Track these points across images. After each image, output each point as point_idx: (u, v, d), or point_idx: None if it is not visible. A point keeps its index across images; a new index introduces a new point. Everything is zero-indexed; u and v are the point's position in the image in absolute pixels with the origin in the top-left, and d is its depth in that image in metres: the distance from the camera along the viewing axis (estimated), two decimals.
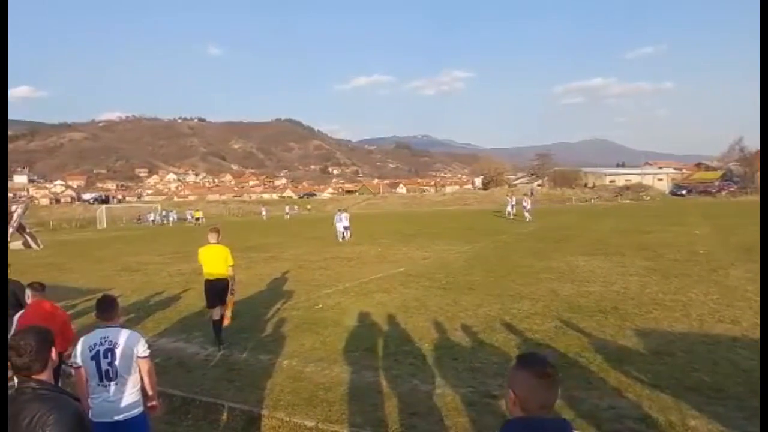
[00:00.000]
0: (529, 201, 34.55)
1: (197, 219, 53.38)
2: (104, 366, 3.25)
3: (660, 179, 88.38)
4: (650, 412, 4.49)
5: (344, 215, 24.86)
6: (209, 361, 6.60)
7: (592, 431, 4.19)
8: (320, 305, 9.53)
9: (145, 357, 3.40)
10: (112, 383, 3.25)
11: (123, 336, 3.35)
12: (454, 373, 5.63)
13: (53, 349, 2.17)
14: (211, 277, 7.22)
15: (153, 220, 55.43)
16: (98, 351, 3.26)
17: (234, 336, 7.58)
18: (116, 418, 3.21)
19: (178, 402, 5.16)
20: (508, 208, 37.96)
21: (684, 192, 72.58)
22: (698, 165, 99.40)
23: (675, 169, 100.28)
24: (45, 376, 2.09)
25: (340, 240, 23.34)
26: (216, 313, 7.26)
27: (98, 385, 3.25)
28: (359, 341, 7.05)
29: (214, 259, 7.22)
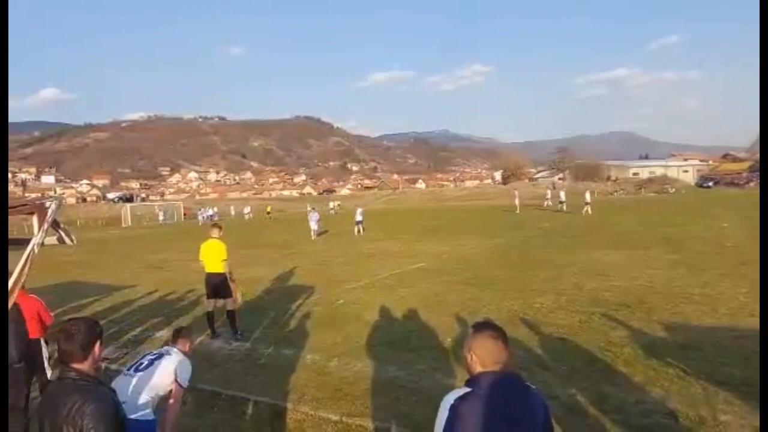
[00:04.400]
0: (589, 194, 32.86)
1: (268, 213, 54.65)
2: (143, 360, 3.50)
3: (685, 171, 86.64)
4: (679, 406, 4.41)
5: (316, 214, 25.76)
6: (234, 355, 6.69)
7: (620, 426, 4.13)
8: (342, 300, 9.58)
9: (179, 382, 3.53)
10: (137, 375, 3.36)
11: (176, 354, 3.66)
12: None
13: (99, 344, 2.22)
14: (208, 271, 7.63)
15: (208, 216, 55.89)
16: (153, 353, 3.63)
17: (258, 331, 7.69)
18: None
19: (205, 395, 5.24)
20: (549, 200, 37.80)
21: (710, 184, 71.04)
22: (725, 156, 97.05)
23: (701, 160, 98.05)
24: (86, 366, 2.15)
25: (313, 238, 23.67)
26: (210, 305, 7.60)
27: (125, 374, 3.40)
28: (381, 336, 7.07)
29: (211, 254, 7.59)
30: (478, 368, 1.97)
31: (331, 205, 61.05)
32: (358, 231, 25.07)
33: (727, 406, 4.36)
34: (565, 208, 33.64)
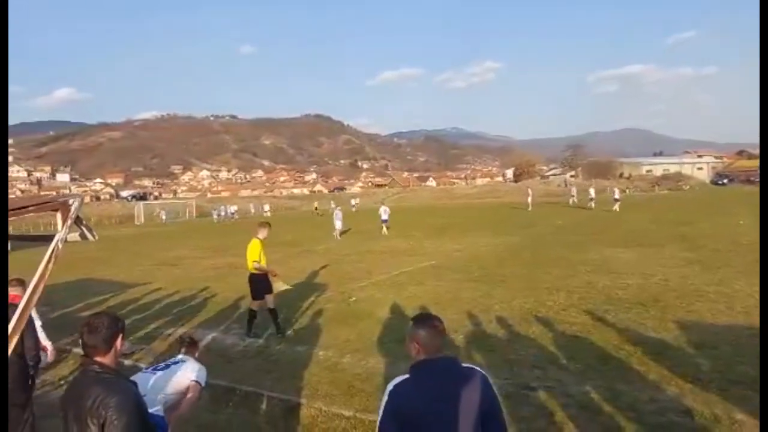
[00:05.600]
0: (618, 191, 32.86)
1: (316, 209, 55.01)
2: (161, 363, 3.67)
3: (700, 168, 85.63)
4: (694, 405, 4.38)
5: (340, 212, 24.53)
6: (248, 352, 6.76)
7: (634, 424, 4.11)
8: (354, 298, 9.62)
9: (196, 382, 3.63)
10: (156, 374, 3.47)
11: (191, 361, 3.78)
12: (490, 365, 5.60)
13: (121, 337, 2.27)
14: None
15: (230, 214, 55.97)
16: (170, 359, 3.77)
17: (271, 328, 7.74)
18: None
19: (220, 391, 5.30)
20: (575, 197, 38.96)
21: (725, 181, 70.20)
22: (740, 153, 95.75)
23: (715, 157, 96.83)
24: (108, 359, 2.20)
25: (337, 237, 22.75)
26: (268, 302, 7.50)
27: (144, 372, 3.55)
28: (393, 333, 7.09)
29: (247, 253, 7.55)
30: (420, 356, 2.13)
31: (353, 202, 61.23)
32: (384, 229, 23.73)
33: (743, 405, 4.31)
34: (594, 205, 33.36)
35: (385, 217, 24.30)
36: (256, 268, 7.42)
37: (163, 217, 55.66)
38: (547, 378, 5.16)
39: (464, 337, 6.69)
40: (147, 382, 3.37)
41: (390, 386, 2.09)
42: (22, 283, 5.24)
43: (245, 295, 10.31)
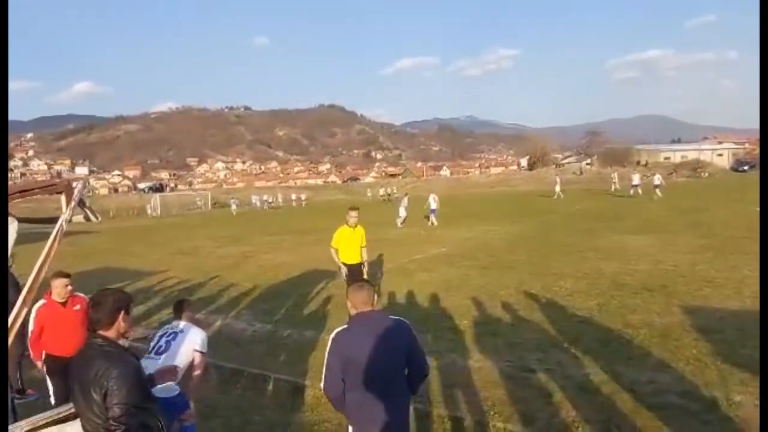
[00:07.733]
0: (660, 178, 31.43)
1: (390, 194, 54.86)
2: (161, 342, 3.65)
3: (720, 155, 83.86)
4: (693, 387, 4.42)
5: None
6: (256, 336, 6.93)
7: (631, 405, 4.17)
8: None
9: (202, 352, 3.73)
10: (161, 357, 3.54)
11: (188, 328, 3.83)
12: (493, 349, 5.69)
13: (123, 314, 2.39)
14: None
15: (264, 202, 56.65)
16: (166, 332, 3.77)
17: (280, 313, 7.92)
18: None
19: (228, 373, 5.47)
20: (617, 183, 39.96)
21: (746, 168, 68.52)
22: None
23: (736, 143, 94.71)
24: (112, 333, 2.34)
25: (399, 225, 21.36)
26: None
27: (147, 357, 3.57)
28: None
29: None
30: (353, 311, 2.72)
31: (381, 192, 61.32)
32: (431, 222, 21.12)
33: (743, 387, 4.34)
34: (640, 191, 32.07)
35: (434, 206, 21.47)
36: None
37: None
38: (548, 361, 5.22)
39: (469, 322, 6.76)
40: (153, 367, 3.47)
41: (333, 334, 2.69)
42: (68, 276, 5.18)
43: (257, 282, 10.56)
